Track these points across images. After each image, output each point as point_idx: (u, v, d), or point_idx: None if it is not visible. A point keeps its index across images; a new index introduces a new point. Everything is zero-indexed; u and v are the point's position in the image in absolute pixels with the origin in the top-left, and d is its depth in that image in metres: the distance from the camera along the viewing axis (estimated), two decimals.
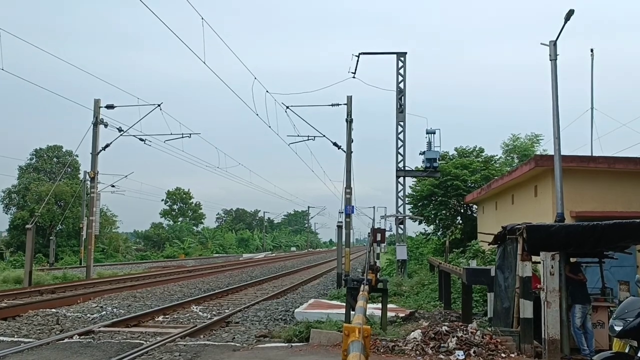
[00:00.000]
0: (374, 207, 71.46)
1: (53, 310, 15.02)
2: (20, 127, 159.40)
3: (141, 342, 10.60)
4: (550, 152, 15.34)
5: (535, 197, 17.19)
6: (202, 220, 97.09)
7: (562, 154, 12.96)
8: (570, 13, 11.95)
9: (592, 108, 22.70)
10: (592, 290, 10.70)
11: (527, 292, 9.47)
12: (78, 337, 11.04)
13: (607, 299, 10.43)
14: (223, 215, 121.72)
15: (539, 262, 9.90)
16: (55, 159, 57.31)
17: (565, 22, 12.32)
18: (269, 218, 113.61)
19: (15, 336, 11.19)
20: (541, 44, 12.88)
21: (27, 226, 23.12)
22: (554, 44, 12.89)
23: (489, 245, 14.29)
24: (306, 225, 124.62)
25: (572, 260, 10.40)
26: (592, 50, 22.48)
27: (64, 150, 57.68)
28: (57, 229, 48.40)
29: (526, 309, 9.40)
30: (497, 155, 36.99)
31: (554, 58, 12.91)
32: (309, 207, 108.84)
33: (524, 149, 39.63)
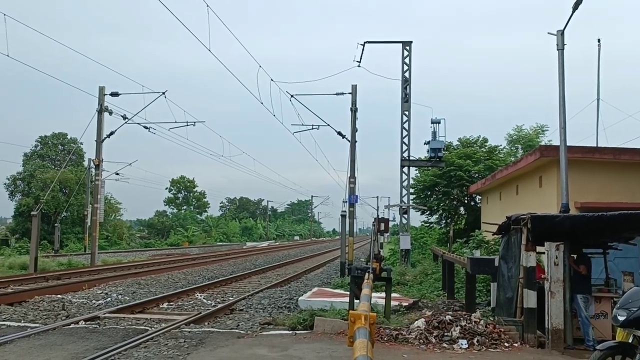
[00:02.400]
0: (377, 197, 71.59)
1: (59, 296, 15.17)
2: (25, 114, 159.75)
3: (146, 328, 10.70)
4: (555, 143, 15.30)
5: (540, 188, 17.15)
6: (206, 209, 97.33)
7: (567, 144, 12.91)
8: (579, 2, 11.86)
9: (598, 99, 22.58)
10: (595, 281, 10.70)
11: (531, 282, 9.48)
12: (84, 322, 11.14)
13: (610, 289, 10.43)
14: (227, 203, 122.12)
15: (543, 253, 9.91)
16: (60, 147, 57.41)
17: (573, 12, 12.22)
18: (272, 207, 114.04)
19: (22, 321, 11.32)
20: (548, 33, 12.80)
21: (33, 213, 23.23)
22: (561, 34, 12.80)
23: (492, 235, 14.31)
24: (309, 214, 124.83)
25: (583, 251, 10.36)
26: (599, 41, 22.33)
27: (68, 137, 57.79)
28: (62, 216, 48.60)
29: (530, 299, 9.42)
30: (501, 145, 36.90)
31: (561, 48, 12.82)
32: (312, 196, 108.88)
33: (529, 139, 39.47)
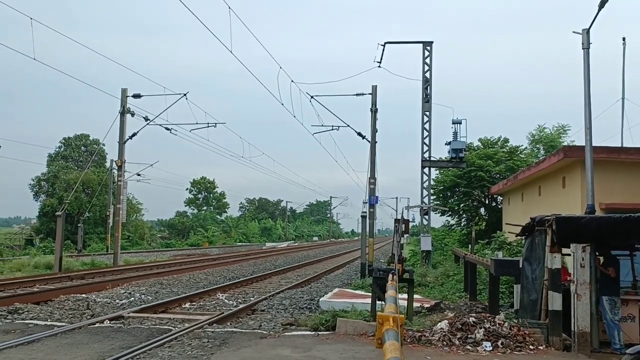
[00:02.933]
0: (396, 198, 71.29)
1: (83, 295, 15.40)
2: (49, 116, 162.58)
3: (170, 328, 10.80)
4: (577, 143, 15.07)
5: (563, 189, 16.93)
6: (226, 209, 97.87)
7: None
8: (605, 0, 11.67)
9: (623, 98, 22.20)
10: (622, 284, 10.52)
11: (556, 284, 9.37)
12: (109, 322, 11.29)
13: (638, 292, 10.25)
14: (246, 204, 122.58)
15: (568, 255, 9.78)
16: (82, 148, 58.23)
17: (599, 10, 12.03)
18: (291, 208, 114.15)
19: (49, 320, 11.51)
20: (573, 32, 12.62)
21: (57, 213, 23.60)
22: (586, 32, 12.61)
23: (516, 236, 14.15)
24: (328, 215, 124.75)
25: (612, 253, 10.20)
26: (624, 39, 21.98)
27: (91, 138, 58.62)
28: (85, 216, 49.26)
29: (555, 301, 9.31)
30: (522, 145, 36.47)
31: (586, 47, 12.62)
32: (331, 197, 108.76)
33: (551, 139, 38.97)
